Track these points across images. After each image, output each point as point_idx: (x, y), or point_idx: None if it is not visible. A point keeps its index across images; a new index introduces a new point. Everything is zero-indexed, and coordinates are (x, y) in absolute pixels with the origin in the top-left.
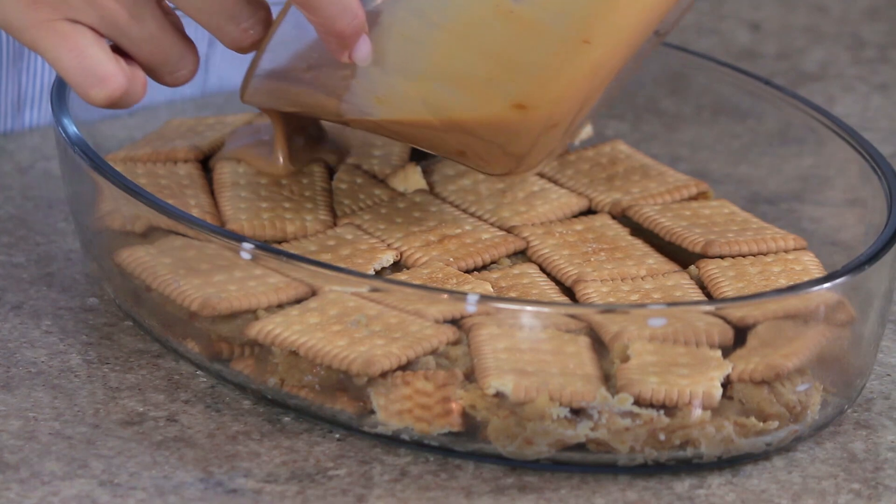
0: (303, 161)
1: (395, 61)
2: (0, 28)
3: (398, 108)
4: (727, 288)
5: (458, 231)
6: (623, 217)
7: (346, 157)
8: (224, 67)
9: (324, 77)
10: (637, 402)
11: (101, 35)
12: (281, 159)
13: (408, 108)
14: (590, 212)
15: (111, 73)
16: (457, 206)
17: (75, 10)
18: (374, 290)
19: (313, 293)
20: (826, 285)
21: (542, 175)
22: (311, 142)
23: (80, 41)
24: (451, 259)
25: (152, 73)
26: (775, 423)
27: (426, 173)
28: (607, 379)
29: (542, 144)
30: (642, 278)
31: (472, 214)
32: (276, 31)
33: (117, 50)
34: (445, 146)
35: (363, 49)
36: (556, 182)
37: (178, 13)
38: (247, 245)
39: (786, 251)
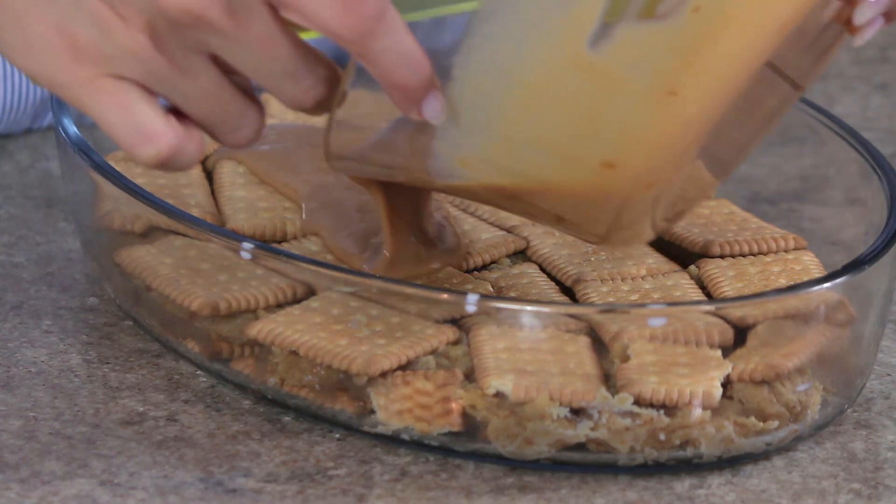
0: (410, 265)
1: (472, 119)
2: (42, 85)
3: (483, 172)
4: (727, 288)
5: (458, 231)
6: None
7: (460, 262)
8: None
9: (404, 138)
10: (637, 402)
11: (151, 92)
12: (387, 254)
13: (492, 172)
14: None
15: (160, 131)
16: (456, 206)
17: (121, 66)
18: (374, 290)
19: (313, 293)
20: (826, 285)
21: None
22: (424, 242)
23: (126, 97)
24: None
25: (210, 132)
26: (775, 423)
27: None
28: (607, 379)
29: (642, 208)
30: (642, 278)
31: (472, 214)
32: (344, 89)
33: (174, 110)
34: (541, 212)
35: (433, 105)
36: None
37: None
38: (247, 245)
39: (786, 251)
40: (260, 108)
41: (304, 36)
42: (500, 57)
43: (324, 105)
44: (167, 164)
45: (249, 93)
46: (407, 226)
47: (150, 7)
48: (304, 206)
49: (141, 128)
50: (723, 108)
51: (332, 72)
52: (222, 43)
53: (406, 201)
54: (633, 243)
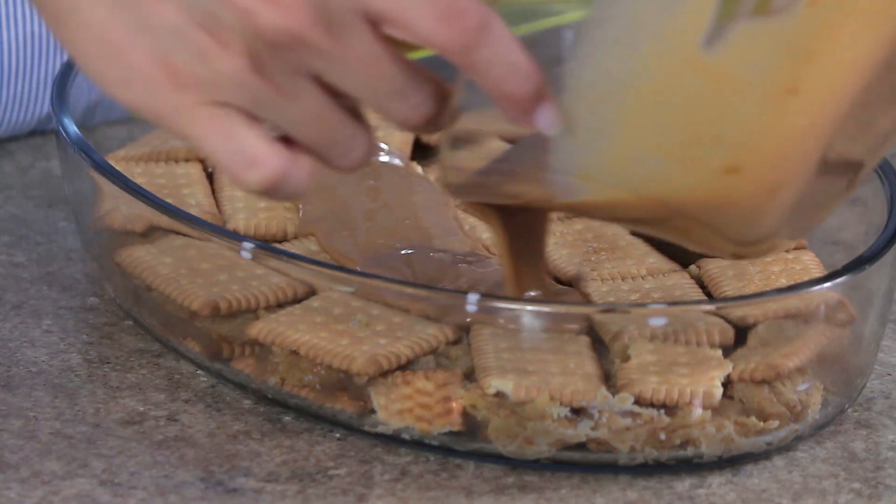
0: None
1: (588, 130)
2: (143, 116)
3: (603, 185)
4: (727, 288)
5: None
6: None
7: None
8: None
9: (521, 154)
10: (637, 402)
11: (255, 118)
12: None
13: (613, 184)
14: None
15: (264, 155)
16: (456, 206)
17: (223, 92)
18: (375, 290)
19: (314, 293)
20: (826, 285)
21: None
22: (546, 276)
23: (229, 123)
24: None
25: (319, 156)
26: (776, 423)
27: (426, 173)
28: (608, 378)
29: (771, 214)
30: (642, 277)
31: (463, 211)
32: (455, 105)
33: (283, 138)
34: (667, 226)
35: (546, 114)
36: None
37: None
38: (247, 245)
39: (786, 251)
40: (369, 129)
41: (413, 55)
42: (612, 64)
43: (434, 123)
44: (274, 191)
45: (357, 114)
46: (528, 264)
47: (249, 31)
48: (301, 206)
49: (245, 153)
50: (847, 106)
51: (440, 88)
52: (324, 63)
53: (527, 236)
54: (766, 255)
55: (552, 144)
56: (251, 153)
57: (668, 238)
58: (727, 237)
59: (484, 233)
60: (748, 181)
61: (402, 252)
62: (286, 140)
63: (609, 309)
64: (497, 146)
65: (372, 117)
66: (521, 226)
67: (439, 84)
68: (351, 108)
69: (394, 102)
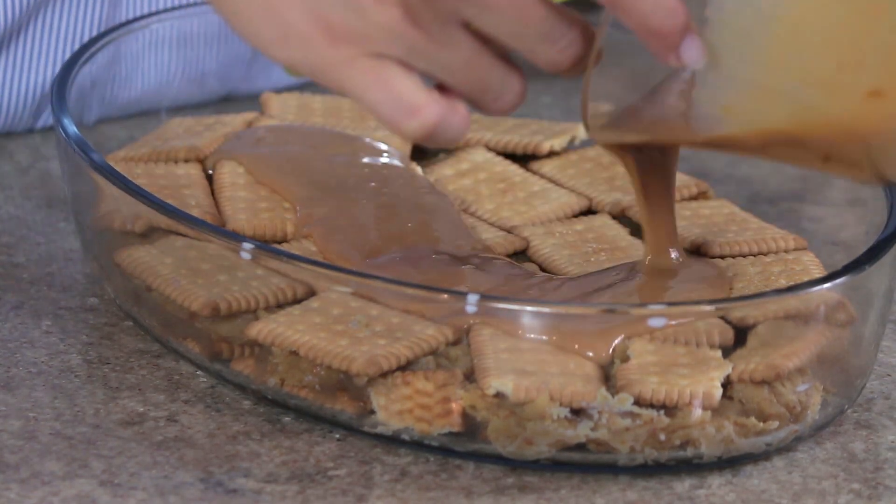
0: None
1: (733, 61)
2: (302, 73)
3: (747, 116)
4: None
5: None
6: (623, 217)
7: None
8: (223, 67)
9: (664, 92)
10: (637, 402)
11: (411, 67)
12: (648, 257)
13: (757, 115)
14: (590, 212)
15: (423, 103)
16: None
17: (378, 44)
18: (374, 290)
19: (314, 293)
20: (826, 285)
21: (542, 175)
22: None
23: (386, 74)
24: None
25: (474, 102)
26: (775, 423)
27: (426, 173)
28: (607, 379)
29: None
30: None
31: (472, 214)
32: (600, 46)
33: (437, 86)
34: (808, 155)
35: (692, 49)
36: (556, 182)
37: None
38: (247, 245)
39: (786, 251)
40: (521, 74)
41: None
42: None
43: (581, 64)
44: (434, 137)
45: (507, 59)
46: (662, 207)
47: None
48: (298, 208)
49: (404, 102)
50: None
51: (587, 30)
52: (475, 10)
53: (660, 176)
54: None
55: (696, 79)
56: (411, 102)
57: (804, 166)
58: (869, 163)
59: (485, 233)
60: (892, 105)
61: (403, 255)
62: (441, 88)
63: (609, 309)
64: (640, 83)
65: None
66: (654, 166)
67: (585, 26)
68: (501, 54)
69: (543, 46)
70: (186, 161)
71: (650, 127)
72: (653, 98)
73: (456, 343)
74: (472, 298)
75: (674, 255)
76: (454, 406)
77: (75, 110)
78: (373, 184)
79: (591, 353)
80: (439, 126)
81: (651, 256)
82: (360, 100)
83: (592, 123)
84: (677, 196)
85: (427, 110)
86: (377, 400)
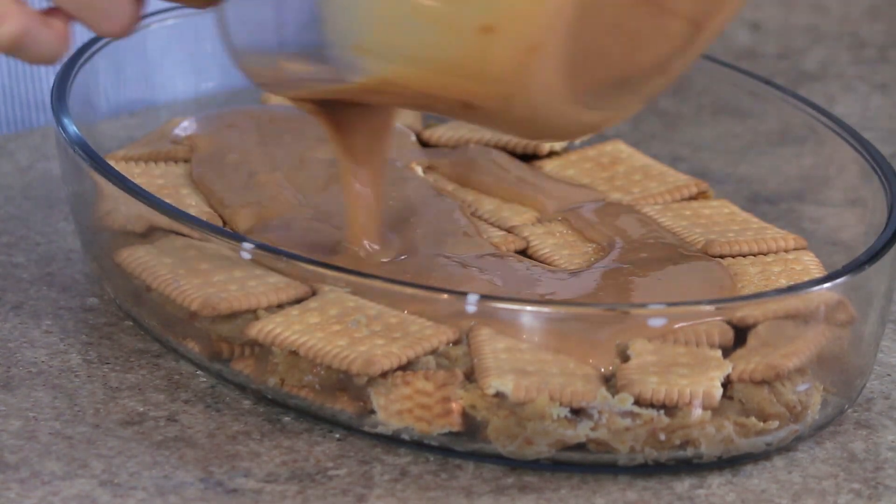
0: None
1: None
2: None
3: (378, 57)
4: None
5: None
6: None
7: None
8: (222, 66)
9: (294, 27)
10: (637, 402)
11: None
12: (363, 243)
13: (386, 55)
14: None
15: (7, 12)
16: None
17: None
18: (374, 290)
19: (313, 293)
20: (826, 285)
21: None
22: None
23: None
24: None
25: (83, 21)
26: (775, 423)
27: (426, 173)
28: (607, 379)
29: (540, 83)
30: None
31: (473, 214)
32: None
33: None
34: (449, 103)
35: None
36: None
37: None
38: (247, 245)
39: (786, 251)
40: None
41: None
42: None
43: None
44: (22, 49)
45: None
46: (364, 178)
47: None
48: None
49: None
50: None
51: None
52: None
53: (359, 140)
54: (571, 133)
55: (323, 16)
56: None
57: (454, 116)
58: (509, 109)
59: (485, 233)
60: (504, 41)
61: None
62: (55, 11)
63: (609, 309)
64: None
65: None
66: (353, 129)
67: None
68: None
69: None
70: (186, 161)
71: (296, 69)
72: (289, 42)
73: (456, 343)
74: (472, 298)
75: (367, 246)
76: (454, 406)
77: (75, 110)
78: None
79: (592, 361)
80: (26, 37)
81: (345, 242)
82: None
83: (240, 56)
84: (677, 196)
85: (11, 19)
86: (377, 400)
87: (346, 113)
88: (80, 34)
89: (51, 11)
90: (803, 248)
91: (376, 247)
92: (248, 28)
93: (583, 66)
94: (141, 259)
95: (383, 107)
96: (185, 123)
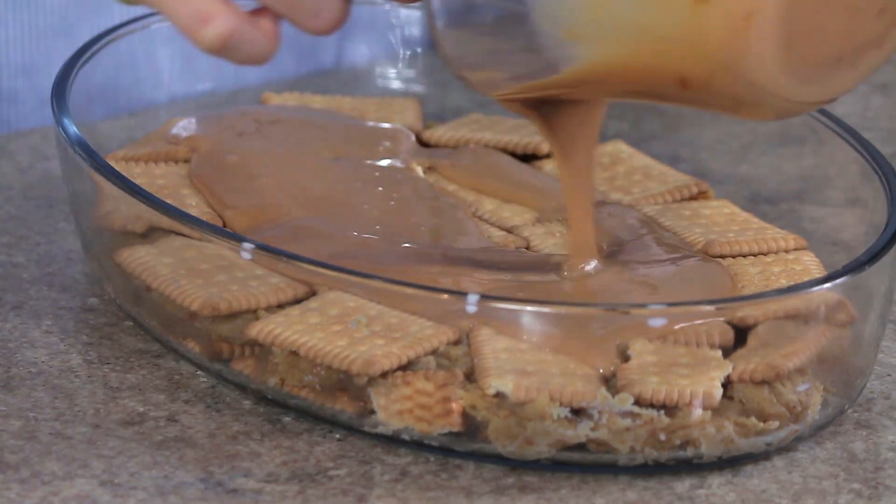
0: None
1: None
2: None
3: (590, 40)
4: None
5: None
6: None
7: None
8: (222, 67)
9: (506, 30)
10: (637, 402)
11: None
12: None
13: (598, 37)
14: None
15: (216, 11)
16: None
17: None
18: (374, 290)
19: (314, 293)
20: (826, 285)
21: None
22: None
23: None
24: None
25: (291, 20)
26: (776, 423)
27: (426, 173)
28: (607, 379)
29: (757, 54)
30: None
31: (474, 215)
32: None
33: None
34: (663, 81)
35: None
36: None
37: None
38: (247, 245)
39: (786, 251)
40: None
41: None
42: None
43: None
44: (230, 49)
45: None
46: (581, 167)
47: None
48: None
49: (199, 10)
50: None
51: None
52: None
53: (573, 135)
54: (790, 109)
55: (531, 7)
56: (205, 9)
57: (667, 99)
58: (725, 82)
59: (496, 234)
60: (720, 9)
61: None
62: (261, 11)
63: (609, 309)
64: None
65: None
66: (567, 125)
67: None
68: None
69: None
70: (186, 161)
71: (509, 70)
72: (501, 37)
73: (456, 343)
74: (472, 298)
75: (591, 265)
76: (454, 406)
77: (75, 110)
78: (380, 189)
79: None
80: (235, 37)
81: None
82: (164, 13)
83: (450, 58)
84: (678, 196)
85: (220, 19)
86: (377, 400)
87: (557, 112)
88: (80, 33)
89: (258, 11)
90: (803, 249)
91: (596, 264)
92: (461, 33)
93: (800, 37)
94: (141, 259)
95: (592, 103)
96: (184, 123)
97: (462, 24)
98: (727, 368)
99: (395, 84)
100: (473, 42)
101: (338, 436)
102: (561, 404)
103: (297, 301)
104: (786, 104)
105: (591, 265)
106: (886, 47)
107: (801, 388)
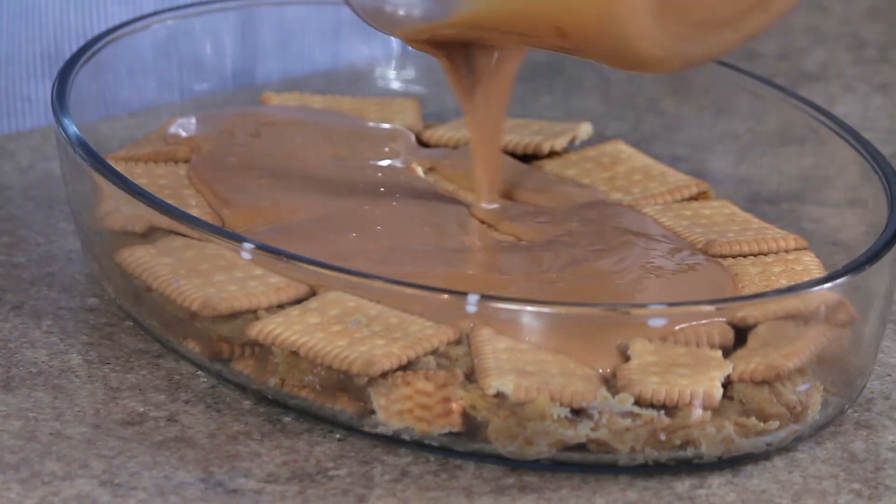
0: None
1: None
2: None
3: None
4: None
5: None
6: None
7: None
8: (222, 67)
9: None
10: (637, 403)
11: None
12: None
13: None
14: None
15: None
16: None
17: None
18: (374, 290)
19: (314, 293)
20: (826, 285)
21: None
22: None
23: None
24: None
25: None
26: (776, 423)
27: (426, 173)
28: (607, 379)
29: (629, 9)
30: None
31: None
32: None
33: None
34: (543, 31)
35: None
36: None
37: None
38: (247, 245)
39: (786, 251)
40: None
41: None
42: None
43: None
44: None
45: None
46: (486, 126)
47: None
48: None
49: None
50: None
51: None
52: None
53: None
54: (671, 64)
55: None
56: None
57: (546, 47)
58: (603, 35)
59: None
60: None
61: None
62: None
63: (609, 309)
64: None
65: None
66: (475, 68)
67: None
68: None
69: None
70: (186, 161)
71: (405, 11)
72: None
73: (456, 343)
74: (472, 299)
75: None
76: (454, 406)
77: (75, 110)
78: (382, 189)
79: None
80: None
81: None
82: None
83: (363, 10)
84: (678, 196)
85: None
86: (377, 400)
87: (462, 55)
88: (80, 33)
89: None
90: (804, 249)
91: (496, 205)
92: None
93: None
94: (141, 259)
95: (497, 48)
96: (184, 123)
97: None
98: (727, 368)
99: (395, 84)
100: None
101: (338, 436)
102: (561, 404)
103: (298, 301)
104: (662, 60)
105: (494, 206)
106: (772, 11)
107: (802, 388)
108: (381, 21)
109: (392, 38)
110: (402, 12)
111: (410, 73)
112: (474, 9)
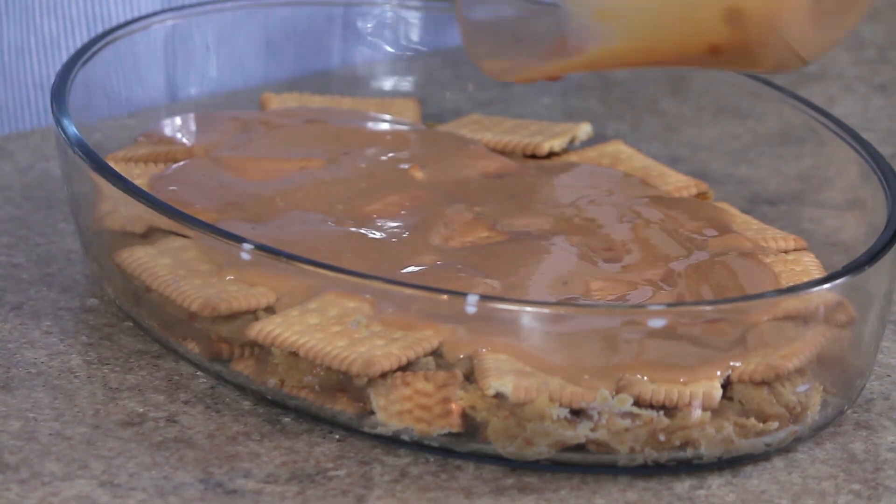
0: None
1: None
2: None
3: (622, 21)
4: None
5: None
6: None
7: None
8: (222, 67)
9: (536, 12)
10: (637, 403)
11: None
12: None
13: (629, 16)
14: None
15: None
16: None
17: None
18: (374, 290)
19: (314, 293)
20: (826, 286)
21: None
22: None
23: None
24: None
25: None
26: (775, 424)
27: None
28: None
29: (791, 10)
30: None
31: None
32: None
33: None
34: (695, 51)
35: None
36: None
37: None
38: (247, 245)
39: (786, 252)
40: None
41: None
42: None
43: None
44: None
45: None
46: None
47: None
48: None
49: None
50: None
51: None
52: None
53: None
54: (809, 60)
55: None
56: None
57: (698, 65)
58: (753, 45)
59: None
60: None
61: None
62: None
63: (609, 309)
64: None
65: None
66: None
67: None
68: None
69: None
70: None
71: (536, 54)
72: (525, 21)
73: None
74: (472, 299)
75: None
76: (454, 406)
77: (75, 110)
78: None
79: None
80: None
81: None
82: None
83: (474, 48)
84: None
85: None
86: (377, 400)
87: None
88: (80, 33)
89: None
90: (803, 249)
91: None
92: (485, 9)
93: None
94: (140, 260)
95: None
96: (183, 123)
97: (487, 14)
98: (727, 369)
99: (395, 84)
100: (497, 31)
101: (337, 436)
102: (560, 405)
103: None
104: (810, 54)
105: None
106: None
107: (801, 388)
108: (505, 67)
109: (391, 38)
110: (530, 56)
111: (410, 73)
112: (621, 39)
